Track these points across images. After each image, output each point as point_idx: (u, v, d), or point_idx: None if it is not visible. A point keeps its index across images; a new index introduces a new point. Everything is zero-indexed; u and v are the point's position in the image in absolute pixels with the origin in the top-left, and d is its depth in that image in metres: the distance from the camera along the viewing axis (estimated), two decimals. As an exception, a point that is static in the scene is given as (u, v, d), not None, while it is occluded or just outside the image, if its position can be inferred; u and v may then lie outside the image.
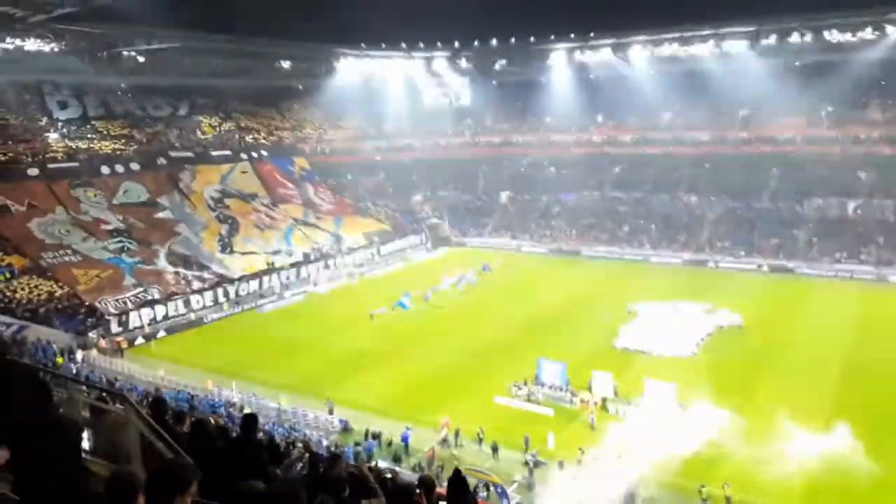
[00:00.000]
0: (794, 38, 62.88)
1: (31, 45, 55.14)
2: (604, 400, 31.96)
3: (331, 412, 31.91)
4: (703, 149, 73.45)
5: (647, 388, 31.42)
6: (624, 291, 50.33)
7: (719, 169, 71.60)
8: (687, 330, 40.99)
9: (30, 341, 37.84)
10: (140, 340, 43.66)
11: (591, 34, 72.01)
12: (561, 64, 76.85)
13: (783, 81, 64.49)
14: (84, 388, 7.86)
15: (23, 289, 45.09)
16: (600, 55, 73.53)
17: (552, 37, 74.24)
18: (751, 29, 63.99)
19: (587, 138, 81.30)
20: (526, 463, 27.23)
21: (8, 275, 45.90)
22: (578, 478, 24.38)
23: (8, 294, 44.20)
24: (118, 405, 6.47)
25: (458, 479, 7.75)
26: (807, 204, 64.56)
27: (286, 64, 78.39)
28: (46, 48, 56.57)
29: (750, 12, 60.99)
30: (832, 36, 62.00)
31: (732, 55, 66.32)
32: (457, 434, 28.96)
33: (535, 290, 52.24)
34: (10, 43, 54.09)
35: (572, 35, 72.95)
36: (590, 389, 32.52)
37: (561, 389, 33.17)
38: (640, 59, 71.23)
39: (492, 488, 24.20)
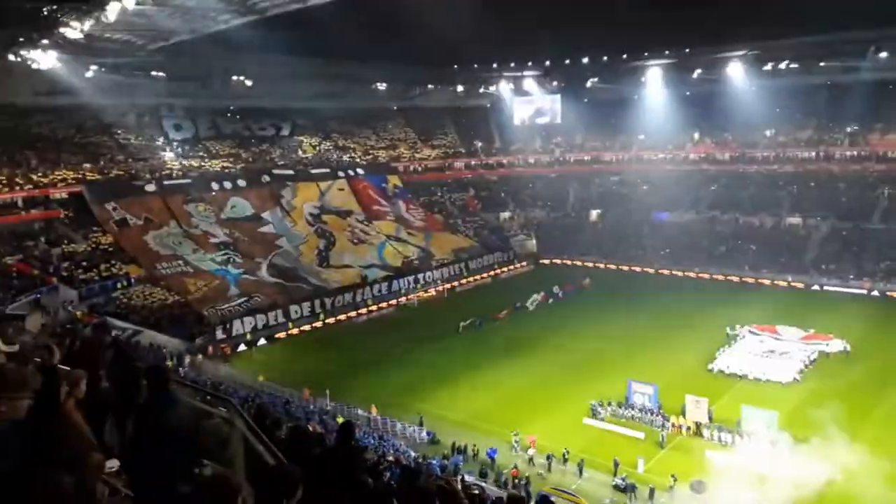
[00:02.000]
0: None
1: (150, 70, 59.74)
2: (698, 425, 30.98)
3: (420, 424, 32.58)
4: (809, 166, 69.90)
5: (745, 415, 30.20)
6: (721, 314, 48.49)
7: (826, 187, 67.91)
8: (789, 356, 39.11)
9: (143, 346, 40.83)
10: (242, 347, 46.08)
11: (687, 50, 70.31)
12: (655, 80, 75.37)
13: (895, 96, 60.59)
14: (192, 391, 8.51)
15: (138, 297, 48.67)
16: (697, 71, 71.59)
17: (646, 54, 73.04)
18: (861, 42, 60.55)
19: (683, 156, 79.18)
20: (615, 486, 26.80)
21: (125, 283, 49.70)
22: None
23: (125, 301, 47.85)
24: (223, 409, 6.81)
25: (545, 501, 7.82)
26: (922, 225, 60.08)
27: (382, 86, 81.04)
28: (163, 74, 61.20)
29: (864, 23, 57.66)
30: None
31: (840, 68, 62.87)
32: (549, 459, 28.70)
33: (625, 310, 51.16)
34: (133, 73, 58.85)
35: (667, 52, 71.48)
36: (683, 414, 31.61)
37: (652, 413, 32.41)
38: (740, 74, 68.77)
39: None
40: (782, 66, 66.52)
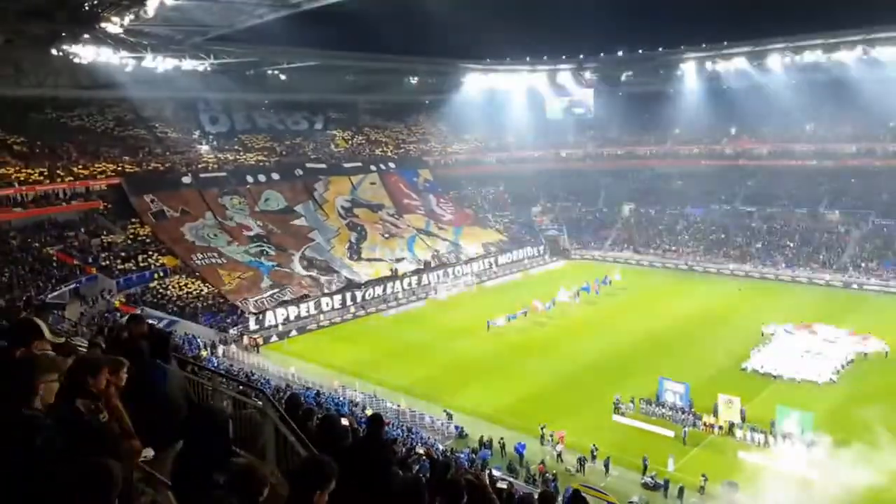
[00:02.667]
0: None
1: (187, 65, 60.68)
2: (730, 425, 30.54)
3: (449, 417, 32.73)
4: (849, 162, 68.24)
5: (780, 416, 29.68)
6: (755, 311, 47.66)
7: (866, 183, 66.14)
8: (825, 355, 38.25)
9: (178, 335, 41.68)
10: (274, 338, 46.73)
11: (725, 42, 68.94)
12: (691, 74, 74.12)
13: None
14: (226, 381, 8.66)
15: (174, 287, 49.69)
16: (734, 64, 70.10)
17: (682, 47, 71.84)
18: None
19: (719, 150, 77.88)
20: (644, 484, 26.59)
21: (162, 274, 50.79)
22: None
23: (161, 291, 48.91)
24: (256, 399, 7.01)
25: (578, 499, 7.75)
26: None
27: (414, 80, 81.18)
28: (200, 68, 62.10)
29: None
30: None
31: (882, 62, 60.96)
32: (582, 462, 28.42)
33: (657, 307, 50.63)
34: (176, 62, 59.82)
35: (704, 45, 70.19)
36: (715, 413, 31.19)
37: (683, 411, 32.05)
38: (779, 68, 67.17)
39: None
40: (823, 59, 64.80)
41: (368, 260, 60.74)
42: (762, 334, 42.72)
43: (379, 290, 55.72)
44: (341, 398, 34.51)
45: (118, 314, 42.98)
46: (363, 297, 54.22)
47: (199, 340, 42.29)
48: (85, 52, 51.88)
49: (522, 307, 50.39)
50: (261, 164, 68.16)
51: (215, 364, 36.93)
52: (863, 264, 58.38)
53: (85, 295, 44.82)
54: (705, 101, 73.25)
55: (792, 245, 63.94)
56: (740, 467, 27.20)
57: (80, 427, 3.31)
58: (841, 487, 23.72)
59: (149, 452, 4.89)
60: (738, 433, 30.10)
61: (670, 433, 30.63)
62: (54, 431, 3.22)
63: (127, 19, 43.16)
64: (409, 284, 58.03)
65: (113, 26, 43.99)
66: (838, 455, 26.01)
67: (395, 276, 58.19)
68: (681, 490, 25.50)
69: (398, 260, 61.66)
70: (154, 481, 4.82)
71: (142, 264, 50.66)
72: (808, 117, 71.71)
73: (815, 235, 64.41)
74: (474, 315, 49.70)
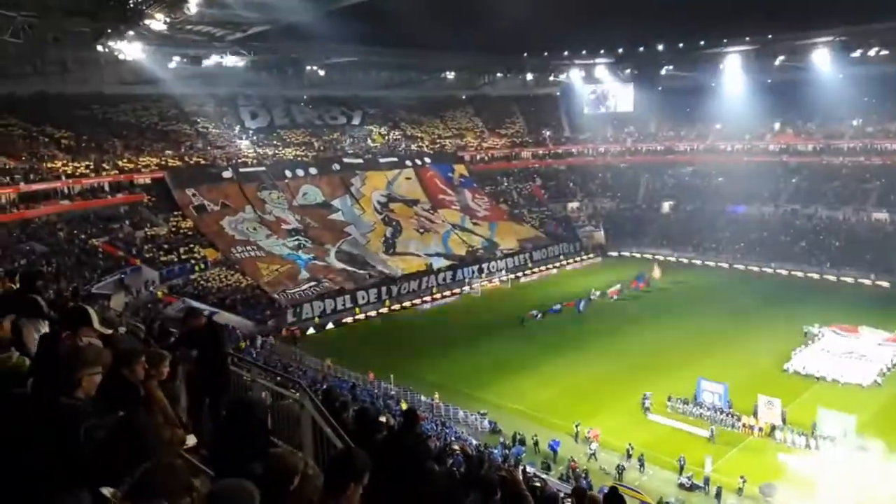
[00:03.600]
0: None
1: (228, 61, 61.79)
2: (770, 427, 29.92)
3: (483, 415, 32.73)
4: (899, 159, 65.93)
5: (821, 418, 28.97)
6: (798, 312, 46.45)
7: (918, 181, 63.87)
8: (870, 358, 37.16)
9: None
10: (311, 331, 47.34)
11: (769, 36, 67.24)
12: (734, 68, 72.45)
13: None
14: (264, 372, 8.77)
15: (214, 279, 50.68)
16: (779, 58, 68.42)
17: (724, 40, 70.27)
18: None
19: (762, 147, 76.00)
20: (680, 485, 26.25)
21: (203, 266, 51.83)
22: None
23: (202, 283, 49.92)
24: (292, 391, 7.05)
25: (615, 496, 7.72)
26: None
27: (451, 75, 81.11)
28: (241, 64, 63.16)
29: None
30: None
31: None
32: (621, 470, 28.03)
33: (696, 305, 49.75)
34: (218, 57, 60.97)
35: (747, 38, 68.55)
36: (754, 414, 30.58)
37: (722, 412, 31.51)
38: (825, 61, 65.23)
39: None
40: (871, 52, 62.76)
41: (403, 254, 61.03)
42: (805, 335, 41.69)
43: (414, 284, 55.97)
44: (376, 391, 34.82)
45: (161, 305, 44.13)
46: (398, 291, 54.53)
47: (238, 332, 43.07)
48: (129, 49, 53.16)
49: (558, 303, 50.09)
50: (299, 158, 68.99)
51: (253, 355, 37.61)
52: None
53: (129, 286, 45.97)
54: (748, 96, 71.40)
55: (837, 245, 62.14)
56: (780, 470, 26.65)
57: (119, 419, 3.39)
58: (884, 493, 23.06)
59: (191, 440, 5.01)
60: (779, 435, 29.48)
61: (707, 434, 30.14)
62: (95, 421, 3.31)
63: (170, 16, 44.06)
64: (444, 279, 58.15)
65: (156, 23, 44.92)
66: (881, 460, 25.29)
67: (429, 271, 58.35)
68: (718, 491, 25.10)
69: (433, 255, 61.80)
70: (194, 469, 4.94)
71: (183, 256, 51.78)
72: (856, 113, 69.49)
73: (861, 235, 62.47)
74: (509, 311, 49.55)
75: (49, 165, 52.78)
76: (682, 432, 30.57)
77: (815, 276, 58.67)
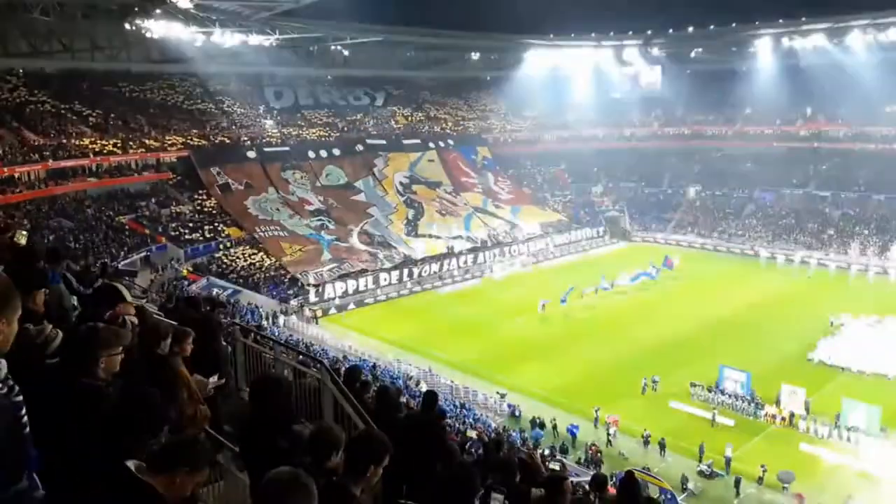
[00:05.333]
0: None
1: (254, 40, 61.83)
2: (792, 416, 29.60)
3: (502, 397, 32.81)
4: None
5: (846, 408, 28.58)
6: (826, 300, 45.73)
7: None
8: (897, 348, 36.46)
9: (241, 305, 43.03)
10: (333, 311, 47.66)
11: (803, 18, 65.58)
12: (766, 51, 70.90)
13: None
14: (286, 350, 8.84)
15: (238, 258, 51.19)
16: (812, 41, 66.76)
17: (756, 22, 68.71)
18: None
19: (792, 132, 74.49)
20: (700, 472, 26.13)
21: (227, 245, 52.36)
22: None
23: (226, 261, 50.47)
24: (314, 370, 7.10)
25: (630, 481, 7.63)
26: None
27: (475, 55, 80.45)
28: (266, 43, 63.17)
29: None
30: None
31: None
32: (648, 446, 28.26)
33: (721, 292, 49.14)
34: (240, 39, 61.07)
35: (781, 20, 66.94)
36: (777, 403, 30.27)
37: (744, 400, 31.23)
38: (860, 45, 63.46)
39: (660, 493, 23.56)
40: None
41: (425, 237, 61.04)
42: (831, 324, 41.03)
43: (435, 266, 56.01)
44: (396, 371, 35.05)
45: (186, 282, 44.72)
46: (419, 273, 54.62)
47: (260, 310, 43.55)
48: (156, 27, 53.49)
49: (580, 288, 49.83)
50: (322, 139, 69.12)
51: (276, 334, 38.04)
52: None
53: (155, 263, 46.65)
54: (779, 80, 69.87)
55: (867, 233, 60.91)
56: (802, 459, 26.43)
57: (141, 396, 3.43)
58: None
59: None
60: (802, 425, 29.14)
61: (730, 422, 29.92)
62: (116, 401, 3.34)
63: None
64: (465, 262, 58.10)
65: (184, 1, 45.12)
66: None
67: (451, 254, 58.34)
68: (737, 480, 24.94)
69: (455, 238, 61.73)
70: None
71: (208, 235, 52.32)
72: (890, 99, 67.61)
73: (892, 223, 61.12)
74: (529, 295, 49.39)
75: (77, 143, 53.46)
76: (704, 420, 30.33)
77: (844, 264, 57.60)
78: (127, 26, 53.95)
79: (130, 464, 2.86)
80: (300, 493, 2.78)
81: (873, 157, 67.84)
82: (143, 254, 46.76)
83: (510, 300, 49.26)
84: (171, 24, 54.00)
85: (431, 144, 74.41)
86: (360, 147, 69.53)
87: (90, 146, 53.90)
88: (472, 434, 23.76)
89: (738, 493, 24.72)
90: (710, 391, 32.14)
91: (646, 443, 28.21)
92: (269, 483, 2.83)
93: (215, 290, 41.60)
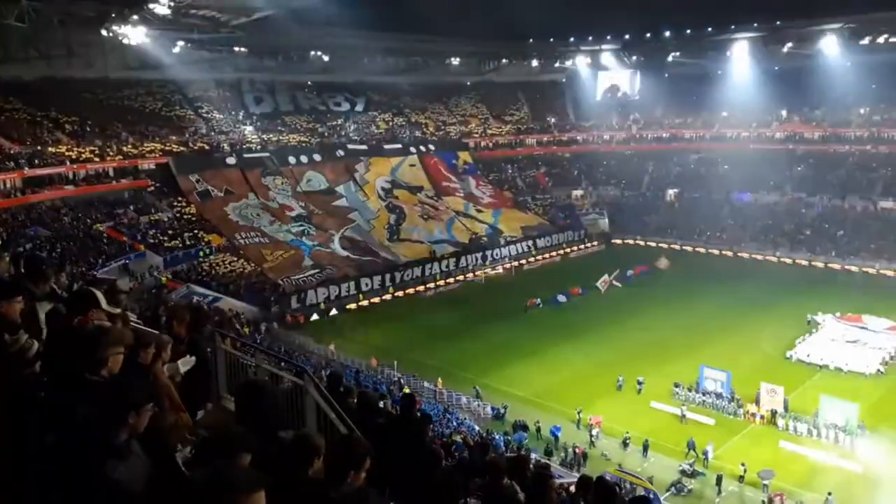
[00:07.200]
0: None
1: (233, 45, 61.47)
2: (772, 414, 30.01)
3: (477, 396, 32.89)
4: (906, 148, 65.55)
5: (823, 406, 29.04)
6: (803, 301, 46.40)
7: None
8: (873, 346, 37.16)
9: (223, 312, 42.66)
10: (315, 317, 47.44)
11: (777, 22, 66.70)
12: (741, 55, 71.97)
13: None
14: (267, 357, 8.82)
15: (218, 265, 50.76)
16: (786, 45, 67.90)
17: (732, 27, 69.75)
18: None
19: (768, 134, 75.57)
20: (682, 471, 26.38)
21: (207, 252, 51.93)
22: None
23: (206, 268, 50.02)
24: (297, 377, 6.99)
25: (602, 484, 7.63)
26: None
27: (455, 61, 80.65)
28: (245, 49, 62.85)
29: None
30: None
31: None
32: (628, 447, 28.55)
33: (700, 294, 49.65)
34: (217, 48, 60.80)
35: (755, 24, 68.01)
36: (757, 402, 30.68)
37: (724, 399, 31.61)
38: (834, 49, 64.69)
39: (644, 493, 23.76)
40: (880, 40, 62.23)
41: (407, 241, 61.03)
42: (808, 323, 41.69)
43: (417, 271, 55.98)
44: (380, 377, 34.98)
45: (165, 290, 44.27)
46: (402, 278, 54.56)
47: (242, 317, 43.22)
48: (134, 34, 53.06)
49: (562, 291, 50.15)
50: (303, 144, 68.88)
51: (257, 341, 37.77)
52: (918, 254, 56.20)
53: (134, 271, 46.12)
54: (755, 84, 70.97)
55: (843, 233, 61.93)
56: (781, 457, 26.80)
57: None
58: (884, 480, 23.19)
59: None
60: (781, 423, 29.58)
61: (710, 421, 30.26)
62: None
63: (175, 0, 43.91)
64: (448, 266, 58.15)
65: (161, 7, 44.85)
66: (883, 447, 25.42)
67: (433, 258, 58.38)
68: (719, 478, 25.23)
69: (437, 242, 61.78)
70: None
71: (188, 242, 51.85)
72: (863, 101, 68.97)
73: (867, 224, 62.22)
74: (511, 298, 49.58)
75: (53, 150, 52.77)
76: (687, 419, 30.62)
77: (820, 264, 58.53)
78: (104, 33, 53.42)
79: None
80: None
81: (847, 158, 69.04)
82: (121, 262, 46.19)
83: (492, 303, 49.31)
84: (149, 31, 53.58)
85: (412, 149, 74.44)
86: (340, 152, 69.37)
87: (67, 154, 53.24)
88: (458, 438, 23.78)
89: (719, 492, 25.02)
90: (691, 391, 32.50)
91: (625, 444, 28.44)
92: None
93: (195, 298, 41.23)
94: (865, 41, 62.79)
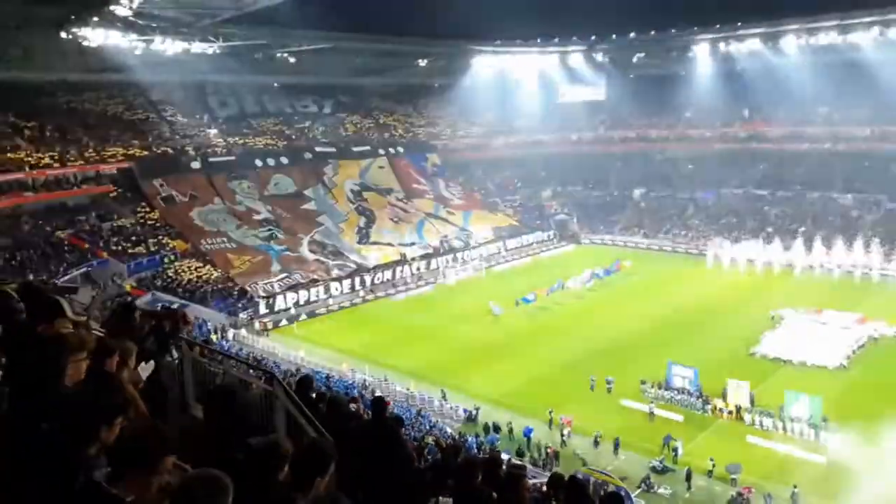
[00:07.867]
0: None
1: (196, 47, 60.38)
2: (739, 409, 30.54)
3: (444, 397, 32.92)
4: (863, 146, 67.43)
5: (788, 400, 29.64)
6: (766, 296, 47.42)
7: (880, 168, 65.34)
8: (835, 340, 38.07)
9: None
10: (284, 322, 46.91)
11: (739, 23, 68.09)
12: (704, 56, 73.31)
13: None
14: (236, 364, 8.68)
15: (184, 271, 49.94)
16: (748, 45, 69.32)
17: (695, 28, 71.02)
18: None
19: (731, 133, 77.14)
20: (653, 468, 26.66)
21: (172, 258, 51.05)
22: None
23: (171, 275, 49.18)
24: (266, 383, 6.86)
25: (574, 483, 7.71)
26: None
27: (423, 62, 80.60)
28: (209, 51, 61.79)
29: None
30: None
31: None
32: (598, 447, 28.75)
33: (667, 291, 50.45)
34: (185, 49, 59.73)
35: (718, 25, 69.35)
36: (724, 397, 31.19)
37: (692, 395, 32.08)
38: (793, 49, 66.28)
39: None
40: (838, 41, 63.94)
41: (377, 244, 60.78)
42: (772, 318, 42.55)
43: (388, 274, 55.78)
44: (351, 381, 34.74)
45: (129, 298, 43.35)
46: (372, 281, 54.31)
47: (209, 325, 42.57)
48: (94, 36, 51.86)
49: (532, 291, 50.43)
50: (270, 147, 68.16)
51: (225, 348, 37.21)
52: (876, 249, 57.73)
53: (96, 279, 45.12)
54: (718, 84, 72.51)
55: (804, 229, 63.39)
56: (749, 451, 27.27)
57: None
58: (849, 471, 23.74)
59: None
60: (747, 417, 30.08)
61: (679, 417, 30.66)
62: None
63: (136, 2, 43.09)
64: (418, 269, 58.07)
65: (122, 9, 43.99)
66: (847, 439, 26.01)
67: (403, 261, 58.22)
68: (688, 473, 25.57)
69: (407, 244, 61.64)
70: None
71: (152, 248, 50.91)
72: (823, 100, 70.65)
73: (827, 220, 63.85)
74: (483, 300, 49.68)
75: (12, 156, 51.35)
76: (657, 416, 31.01)
77: (784, 260, 59.74)
78: (63, 35, 52.10)
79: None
80: (217, 491, 2.73)
81: (808, 156, 70.76)
82: (83, 269, 45.18)
83: (463, 305, 49.39)
84: (110, 33, 52.42)
85: (381, 151, 74.24)
86: (308, 155, 68.83)
87: (26, 159, 51.90)
88: (430, 440, 23.72)
89: (689, 487, 25.34)
90: (659, 388, 32.90)
91: (596, 443, 28.64)
92: (188, 483, 2.79)
93: (160, 305, 40.44)
94: (823, 42, 64.44)
